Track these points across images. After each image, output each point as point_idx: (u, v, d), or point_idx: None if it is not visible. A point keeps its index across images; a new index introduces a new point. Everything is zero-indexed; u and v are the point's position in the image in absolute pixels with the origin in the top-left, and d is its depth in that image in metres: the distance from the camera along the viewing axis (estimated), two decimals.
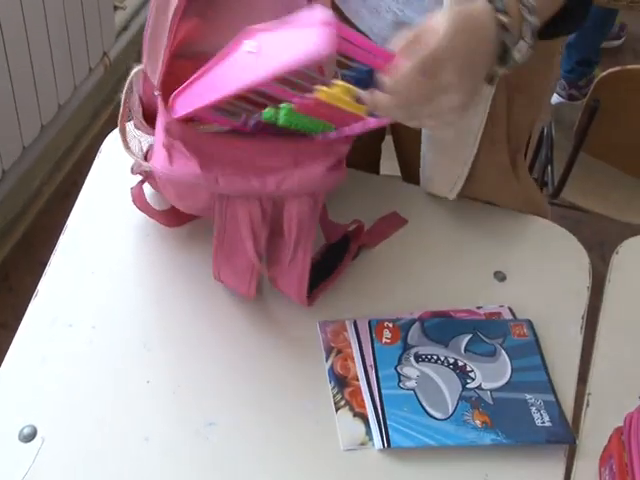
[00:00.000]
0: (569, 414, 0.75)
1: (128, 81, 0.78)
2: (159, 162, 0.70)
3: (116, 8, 1.99)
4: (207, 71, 0.67)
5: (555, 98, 2.20)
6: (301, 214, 0.70)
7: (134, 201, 0.83)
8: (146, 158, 0.76)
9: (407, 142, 1.02)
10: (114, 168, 0.90)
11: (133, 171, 0.82)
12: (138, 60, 0.95)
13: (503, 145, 0.90)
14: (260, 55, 0.61)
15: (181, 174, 0.69)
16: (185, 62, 0.75)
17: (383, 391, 0.75)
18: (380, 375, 0.76)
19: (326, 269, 0.82)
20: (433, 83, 0.61)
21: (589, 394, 0.78)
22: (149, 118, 0.76)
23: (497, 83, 0.74)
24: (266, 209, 0.70)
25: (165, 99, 0.71)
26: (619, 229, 1.66)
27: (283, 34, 0.61)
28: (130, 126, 0.81)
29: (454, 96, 0.62)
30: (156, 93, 0.72)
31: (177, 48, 0.72)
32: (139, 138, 0.79)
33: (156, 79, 0.72)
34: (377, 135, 1.11)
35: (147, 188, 0.85)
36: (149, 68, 0.74)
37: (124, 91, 0.78)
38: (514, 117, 0.88)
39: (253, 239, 0.70)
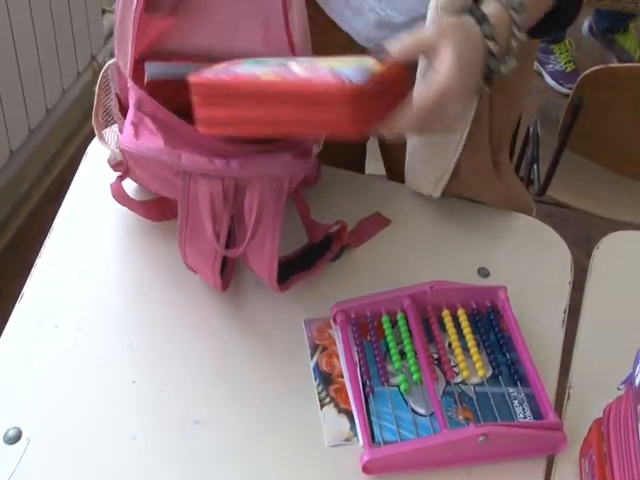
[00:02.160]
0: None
1: (101, 75, 0.79)
2: (126, 138, 0.70)
3: (104, 12, 2.00)
4: None
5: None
6: (263, 196, 0.70)
7: (114, 196, 0.83)
8: None
9: (395, 151, 1.03)
10: (100, 171, 0.90)
11: (110, 163, 0.82)
12: None
13: (485, 145, 0.91)
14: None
15: (146, 148, 0.69)
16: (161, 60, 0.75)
17: (367, 388, 0.75)
18: (365, 372, 0.76)
19: (306, 265, 0.83)
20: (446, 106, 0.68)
21: (570, 387, 0.79)
22: (125, 112, 0.77)
23: None
24: (228, 190, 0.70)
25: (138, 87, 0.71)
26: (605, 226, 1.67)
27: None
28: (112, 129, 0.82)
29: (459, 107, 0.69)
30: (129, 85, 0.72)
31: (151, 48, 0.72)
32: (117, 133, 0.79)
33: (127, 70, 0.72)
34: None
35: (129, 187, 0.85)
36: (120, 61, 0.74)
37: (98, 83, 0.78)
38: (496, 118, 0.90)
39: (213, 219, 0.70)
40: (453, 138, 0.87)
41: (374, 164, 1.13)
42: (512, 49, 0.71)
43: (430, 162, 0.90)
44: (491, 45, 0.69)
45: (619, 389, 0.69)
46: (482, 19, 0.69)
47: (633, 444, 0.65)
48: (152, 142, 0.69)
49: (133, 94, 0.72)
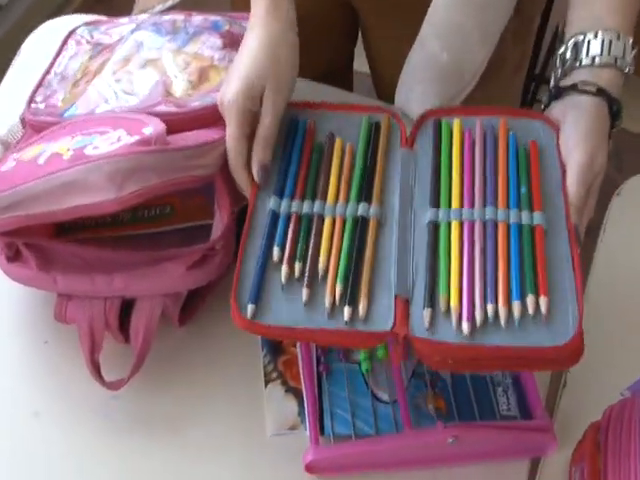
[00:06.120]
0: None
1: None
2: None
3: None
4: None
5: None
6: (152, 317, 0.60)
7: None
8: None
9: (385, 64, 0.88)
10: None
11: None
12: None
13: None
14: None
15: (16, 275, 0.61)
16: None
17: (322, 363, 0.63)
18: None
19: None
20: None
21: (568, 372, 0.66)
22: None
23: None
24: (110, 313, 0.60)
25: None
26: (636, 143, 1.54)
27: None
28: None
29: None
30: None
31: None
32: None
33: None
34: (348, 38, 0.94)
35: None
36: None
37: None
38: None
39: (91, 348, 0.60)
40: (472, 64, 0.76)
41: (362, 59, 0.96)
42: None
43: (430, 102, 0.75)
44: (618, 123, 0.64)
45: (622, 395, 0.56)
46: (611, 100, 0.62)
47: (634, 464, 0.53)
48: (23, 267, 0.60)
49: None
